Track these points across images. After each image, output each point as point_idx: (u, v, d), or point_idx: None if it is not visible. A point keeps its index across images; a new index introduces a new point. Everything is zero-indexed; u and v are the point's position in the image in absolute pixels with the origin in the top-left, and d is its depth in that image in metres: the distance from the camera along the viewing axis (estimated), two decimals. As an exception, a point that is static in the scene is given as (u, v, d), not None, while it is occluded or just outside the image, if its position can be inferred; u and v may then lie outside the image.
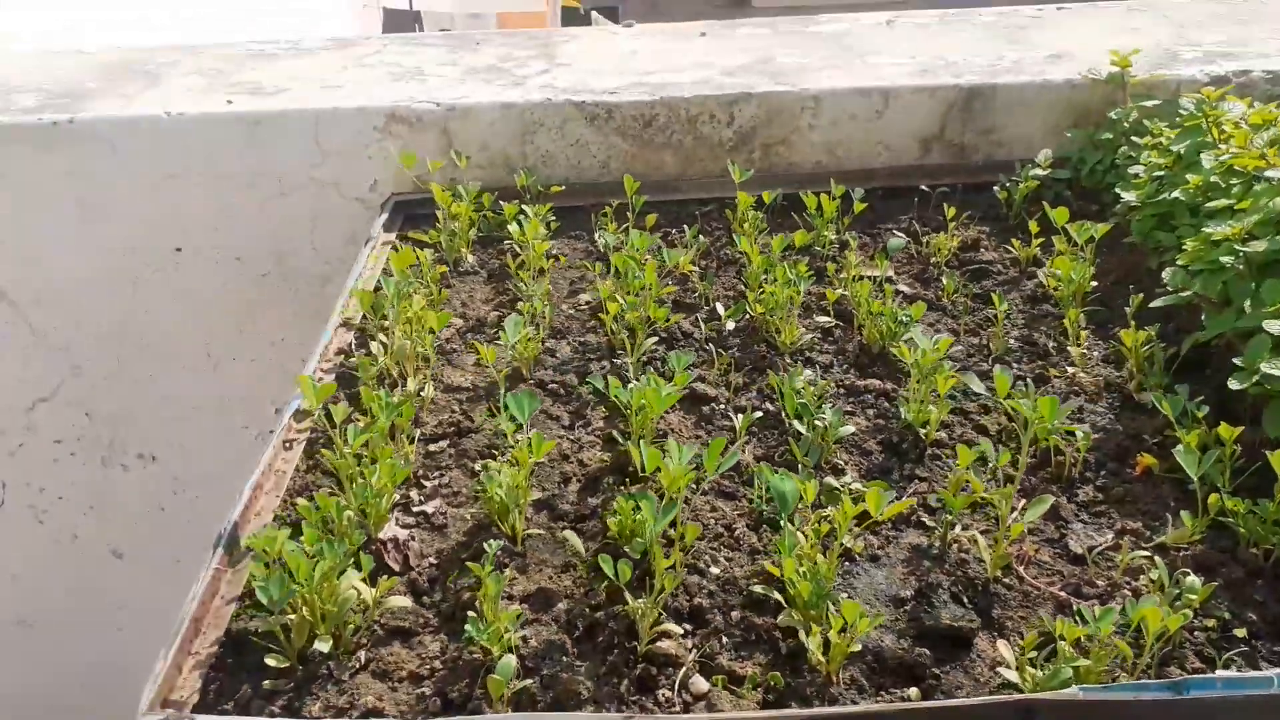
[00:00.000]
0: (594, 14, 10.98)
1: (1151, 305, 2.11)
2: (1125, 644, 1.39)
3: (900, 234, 2.72)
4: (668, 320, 2.31)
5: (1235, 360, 1.86)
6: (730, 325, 2.32)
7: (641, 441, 1.83)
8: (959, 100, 2.89)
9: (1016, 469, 1.81)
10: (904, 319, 2.24)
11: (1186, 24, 3.32)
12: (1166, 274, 2.16)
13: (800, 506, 1.72)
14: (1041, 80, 2.87)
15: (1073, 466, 1.90)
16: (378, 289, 2.33)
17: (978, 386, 1.75)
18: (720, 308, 2.36)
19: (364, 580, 1.53)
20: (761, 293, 2.33)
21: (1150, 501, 1.82)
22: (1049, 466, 1.92)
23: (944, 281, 2.50)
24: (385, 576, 1.60)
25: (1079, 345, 2.27)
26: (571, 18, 11.42)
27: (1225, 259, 1.99)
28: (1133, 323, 2.18)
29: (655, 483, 1.79)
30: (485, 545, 1.55)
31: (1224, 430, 1.73)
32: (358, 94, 3.01)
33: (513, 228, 2.59)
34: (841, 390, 2.17)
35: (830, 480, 1.85)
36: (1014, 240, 2.59)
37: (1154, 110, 2.73)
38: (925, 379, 2.00)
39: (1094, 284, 2.42)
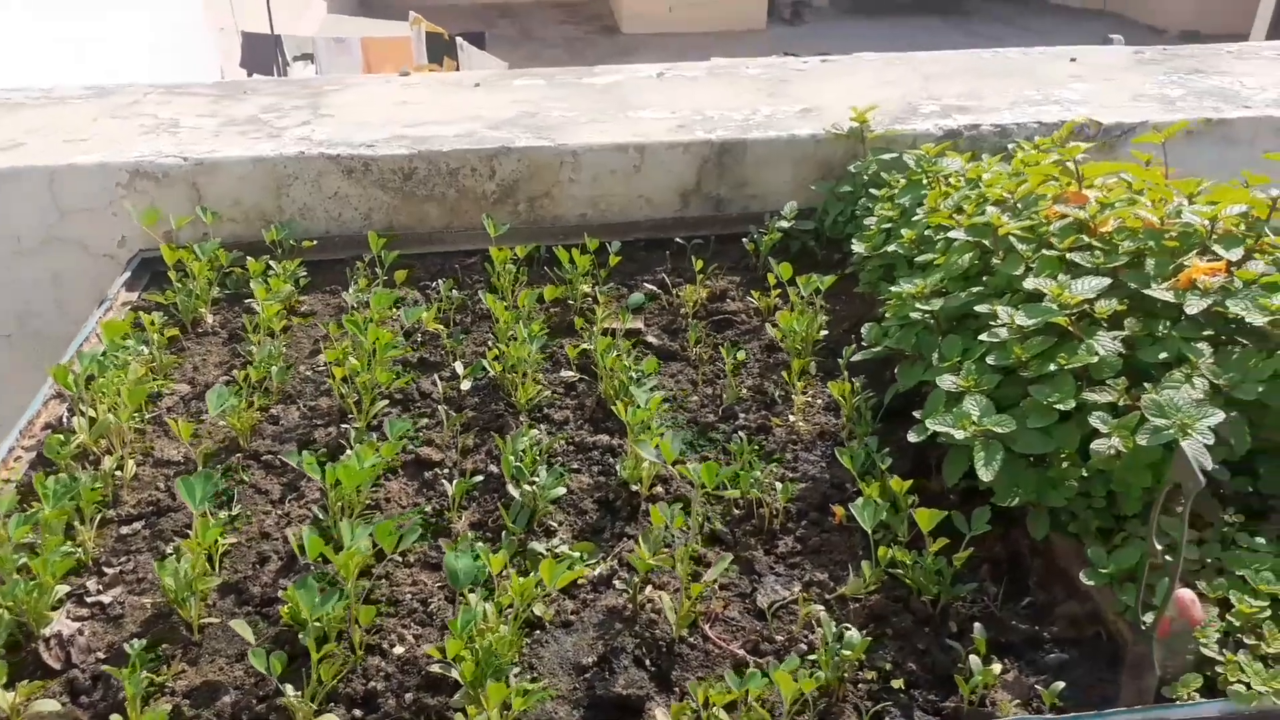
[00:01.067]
0: (459, 40, 10.90)
1: (853, 359, 2.22)
2: (765, 712, 1.44)
3: (651, 286, 2.78)
4: (402, 379, 2.29)
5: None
6: (467, 385, 2.31)
7: (343, 519, 1.80)
8: (712, 155, 2.99)
9: (693, 528, 1.87)
10: (634, 374, 2.29)
11: (934, 77, 3.54)
12: (865, 329, 2.28)
13: (503, 573, 1.72)
14: (789, 135, 3.00)
15: (774, 518, 1.98)
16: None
17: (648, 454, 1.80)
18: (459, 366, 2.36)
19: (2, 686, 1.44)
20: (502, 351, 2.34)
21: (842, 552, 1.90)
22: (753, 519, 1.98)
23: (688, 333, 2.57)
24: (38, 678, 1.51)
25: (803, 394, 2.37)
26: (437, 44, 11.31)
27: (915, 314, 2.11)
28: (846, 373, 2.29)
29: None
30: (132, 644, 1.49)
31: (895, 484, 1.83)
32: (102, 148, 2.89)
33: (256, 285, 2.52)
34: (572, 447, 2.19)
35: (536, 545, 1.86)
36: (754, 291, 2.69)
37: (890, 163, 2.89)
38: (637, 437, 2.04)
39: (825, 333, 2.54)
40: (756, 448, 2.22)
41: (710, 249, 2.96)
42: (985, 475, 1.72)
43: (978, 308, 2.00)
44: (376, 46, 11.13)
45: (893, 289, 2.14)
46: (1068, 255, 2.00)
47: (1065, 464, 1.77)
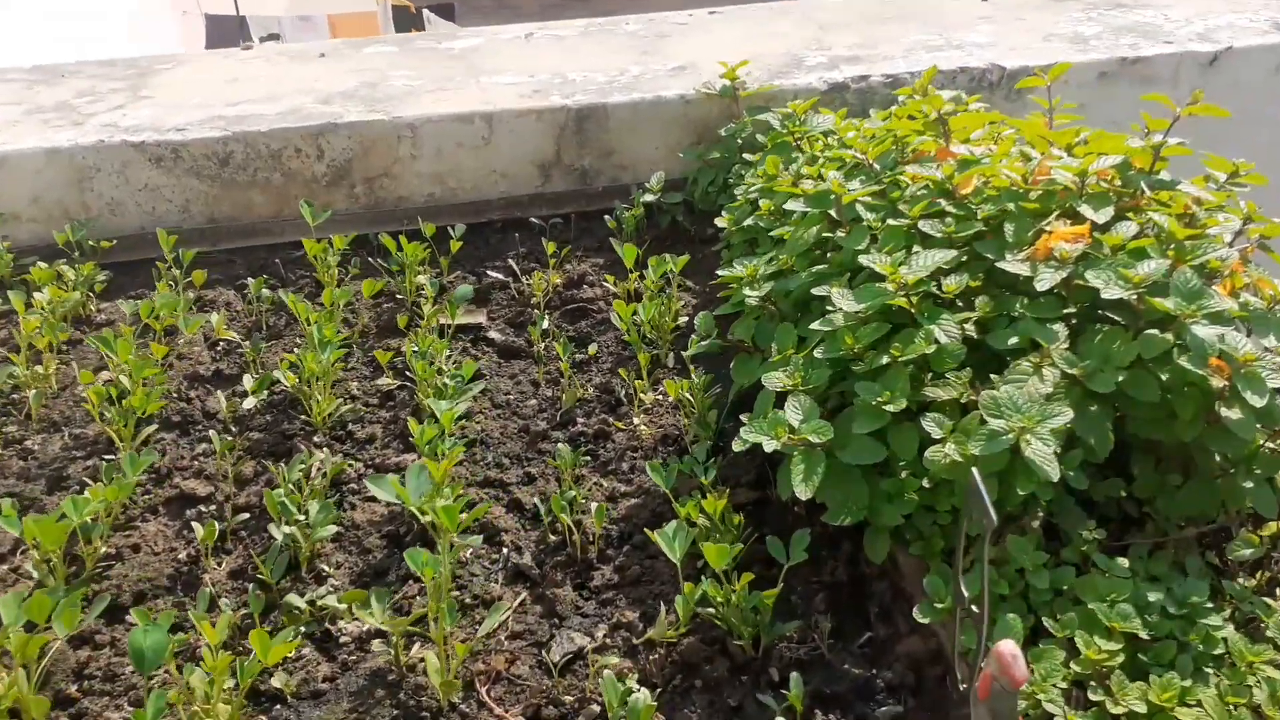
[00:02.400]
0: (426, 13, 10.47)
1: (684, 353, 1.94)
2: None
3: (495, 274, 2.49)
4: (175, 399, 2.00)
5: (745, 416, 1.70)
6: (251, 402, 2.03)
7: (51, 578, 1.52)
8: (570, 122, 2.68)
9: (502, 562, 1.60)
10: (448, 381, 2.00)
11: (830, 26, 3.23)
12: (698, 319, 2.00)
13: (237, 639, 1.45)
14: (654, 97, 2.70)
15: (589, 545, 1.71)
16: None
17: (382, 492, 1.51)
18: (248, 380, 2.07)
19: None
20: (298, 360, 2.05)
21: (665, 582, 1.64)
22: (568, 547, 1.71)
23: (532, 328, 2.28)
24: None
25: (652, 392, 2.09)
26: (404, 18, 10.87)
27: (750, 299, 1.83)
28: (692, 368, 2.01)
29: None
30: None
31: (709, 503, 1.56)
32: (-120, 144, 2.57)
33: (15, 297, 2.22)
34: (371, 469, 1.92)
35: (294, 599, 1.58)
36: (609, 276, 2.40)
37: (765, 125, 2.59)
38: (429, 457, 1.77)
39: (684, 319, 2.26)
40: (589, 458, 1.94)
41: (573, 228, 2.67)
42: (802, 491, 1.45)
43: (815, 290, 1.72)
44: (344, 22, 10.70)
45: (720, 272, 1.86)
46: (919, 224, 1.71)
47: (905, 473, 1.50)
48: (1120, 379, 1.40)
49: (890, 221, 1.72)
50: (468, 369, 2.02)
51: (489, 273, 2.50)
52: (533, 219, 2.66)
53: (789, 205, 1.84)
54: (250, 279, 2.48)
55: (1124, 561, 1.37)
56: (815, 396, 1.56)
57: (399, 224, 2.63)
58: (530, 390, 2.16)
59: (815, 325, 1.64)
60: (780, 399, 1.60)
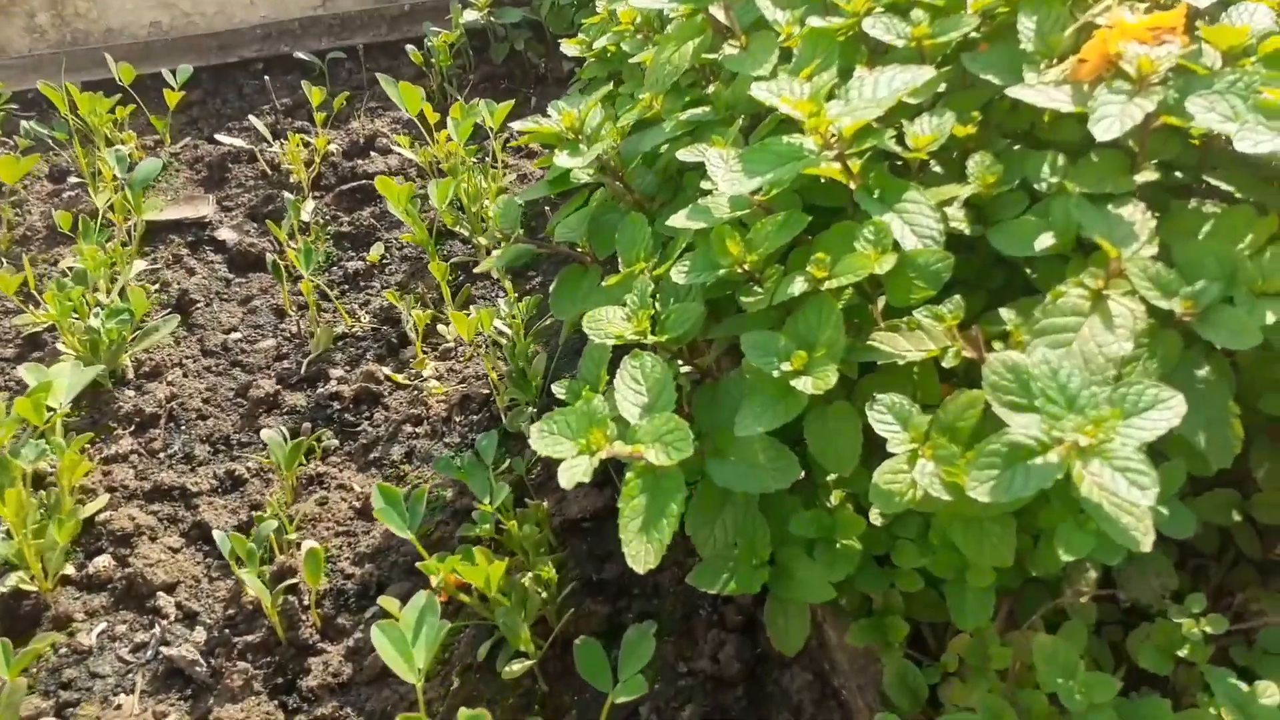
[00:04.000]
0: None
1: (491, 265, 1.17)
2: None
3: (236, 141, 1.67)
4: None
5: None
6: None
7: None
8: (349, -95, 1.81)
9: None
10: (109, 319, 1.22)
11: None
12: (497, 205, 1.22)
13: None
14: None
15: (303, 611, 0.99)
16: None
17: None
18: None
19: None
20: None
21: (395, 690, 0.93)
22: (266, 617, 0.99)
23: (283, 223, 1.49)
24: None
25: (451, 325, 1.34)
26: None
27: (577, 174, 1.06)
28: (509, 286, 1.25)
29: None
30: None
31: (481, 565, 0.84)
32: None
33: None
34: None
35: None
36: (400, 137, 1.59)
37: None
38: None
39: (520, 204, 1.49)
40: (343, 439, 1.21)
41: (363, 66, 1.84)
42: (640, 556, 0.74)
43: (683, 154, 0.96)
44: None
45: (521, 124, 1.07)
46: (864, 24, 0.94)
47: (839, 498, 0.80)
48: (1269, 315, 0.68)
49: (814, 23, 0.94)
50: (138, 302, 1.24)
51: (226, 138, 1.67)
52: (304, 55, 1.82)
53: (647, 2, 1.04)
54: None
55: (1268, 688, 0.68)
56: (676, 353, 0.83)
57: (104, 70, 1.77)
58: (270, 323, 1.41)
59: (677, 218, 0.88)
60: (619, 356, 0.87)
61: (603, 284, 1.01)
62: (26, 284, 1.37)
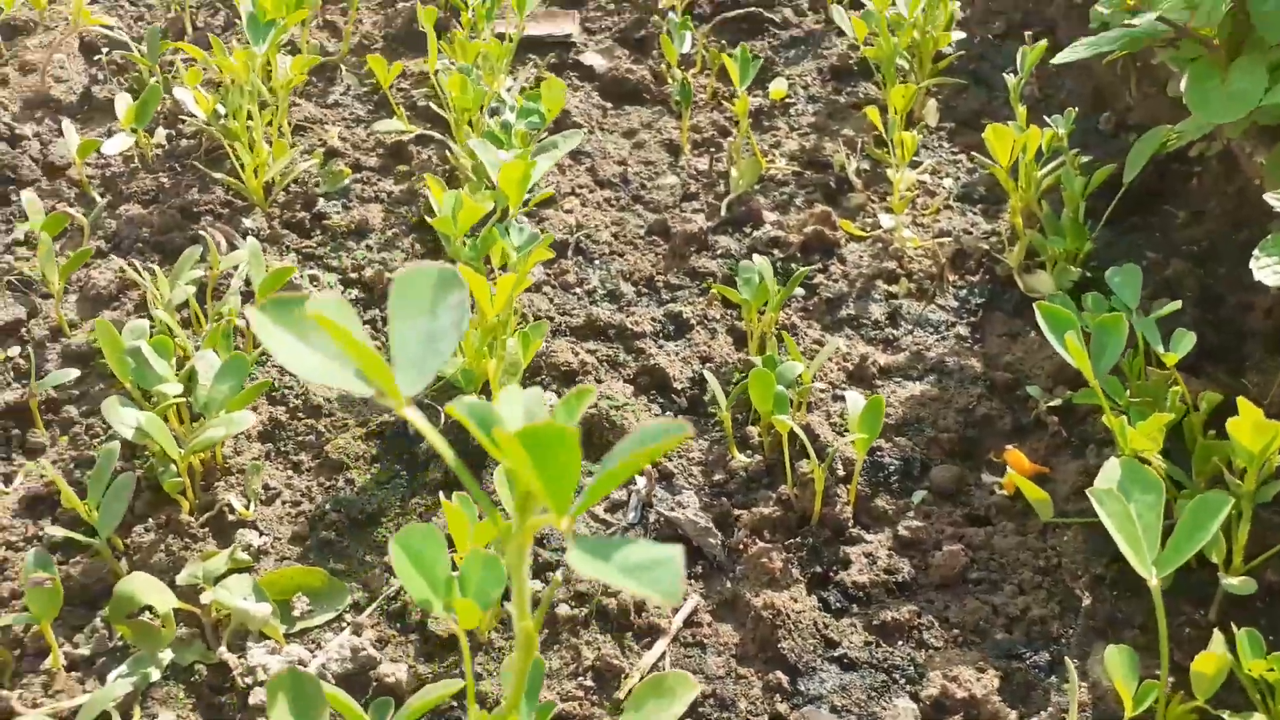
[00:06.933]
0: None
1: (1057, 60, 0.86)
2: None
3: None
4: None
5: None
6: (119, 146, 1.03)
7: None
8: None
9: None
10: (518, 117, 0.97)
11: None
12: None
13: None
14: None
15: (837, 487, 0.72)
16: None
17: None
18: (122, 105, 1.06)
19: None
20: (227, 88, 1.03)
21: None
22: (780, 486, 0.73)
23: (665, 45, 1.22)
24: None
25: (915, 167, 1.05)
26: None
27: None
28: (1019, 105, 0.94)
29: None
30: None
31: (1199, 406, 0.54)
32: None
33: None
34: (355, 287, 0.93)
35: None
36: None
37: None
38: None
39: (959, 34, 1.18)
40: (800, 291, 0.94)
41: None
42: None
43: None
44: None
45: None
46: None
47: None
48: None
49: None
50: (550, 98, 0.99)
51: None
52: None
53: None
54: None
55: None
56: None
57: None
58: (664, 159, 1.14)
59: None
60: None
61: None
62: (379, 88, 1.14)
